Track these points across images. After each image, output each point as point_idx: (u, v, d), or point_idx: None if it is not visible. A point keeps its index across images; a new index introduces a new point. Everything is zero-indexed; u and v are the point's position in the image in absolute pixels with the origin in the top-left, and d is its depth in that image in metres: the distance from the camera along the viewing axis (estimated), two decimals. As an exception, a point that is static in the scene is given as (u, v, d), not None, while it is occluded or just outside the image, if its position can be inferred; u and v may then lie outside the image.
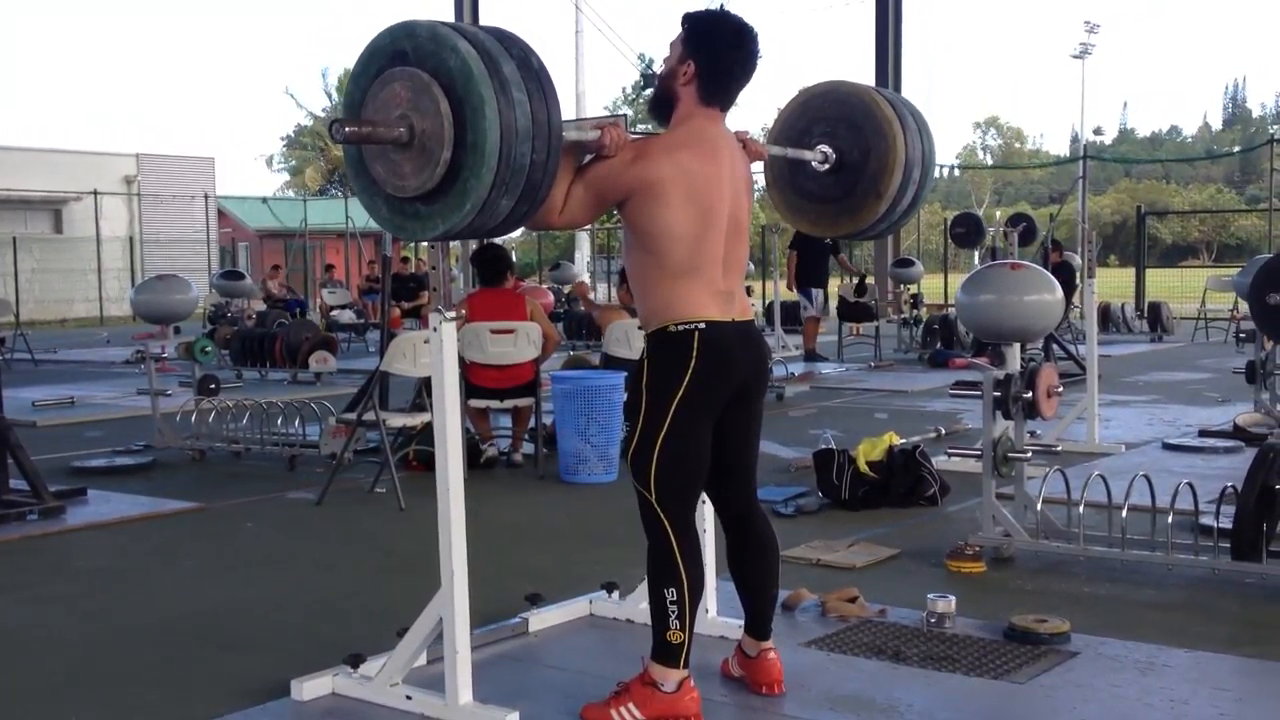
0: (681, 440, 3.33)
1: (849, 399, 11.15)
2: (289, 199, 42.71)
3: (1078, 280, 13.37)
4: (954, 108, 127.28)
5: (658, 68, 3.53)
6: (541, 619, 4.28)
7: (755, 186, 3.83)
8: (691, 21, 3.39)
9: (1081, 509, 4.99)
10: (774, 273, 16.13)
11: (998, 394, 5.05)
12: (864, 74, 21.53)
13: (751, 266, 20.74)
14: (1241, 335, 9.22)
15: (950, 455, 6.15)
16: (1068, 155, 60.43)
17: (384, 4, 63.31)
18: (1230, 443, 7.86)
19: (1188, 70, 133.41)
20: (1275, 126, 64.75)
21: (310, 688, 3.65)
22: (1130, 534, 4.85)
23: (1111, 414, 9.40)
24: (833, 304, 15.21)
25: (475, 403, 7.53)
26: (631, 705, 3.35)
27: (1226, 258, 45.13)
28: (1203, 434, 8.30)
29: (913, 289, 17.11)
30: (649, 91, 3.79)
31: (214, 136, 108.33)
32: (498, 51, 2.89)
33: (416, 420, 7.13)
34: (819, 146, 3.90)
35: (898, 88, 20.29)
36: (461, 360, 6.81)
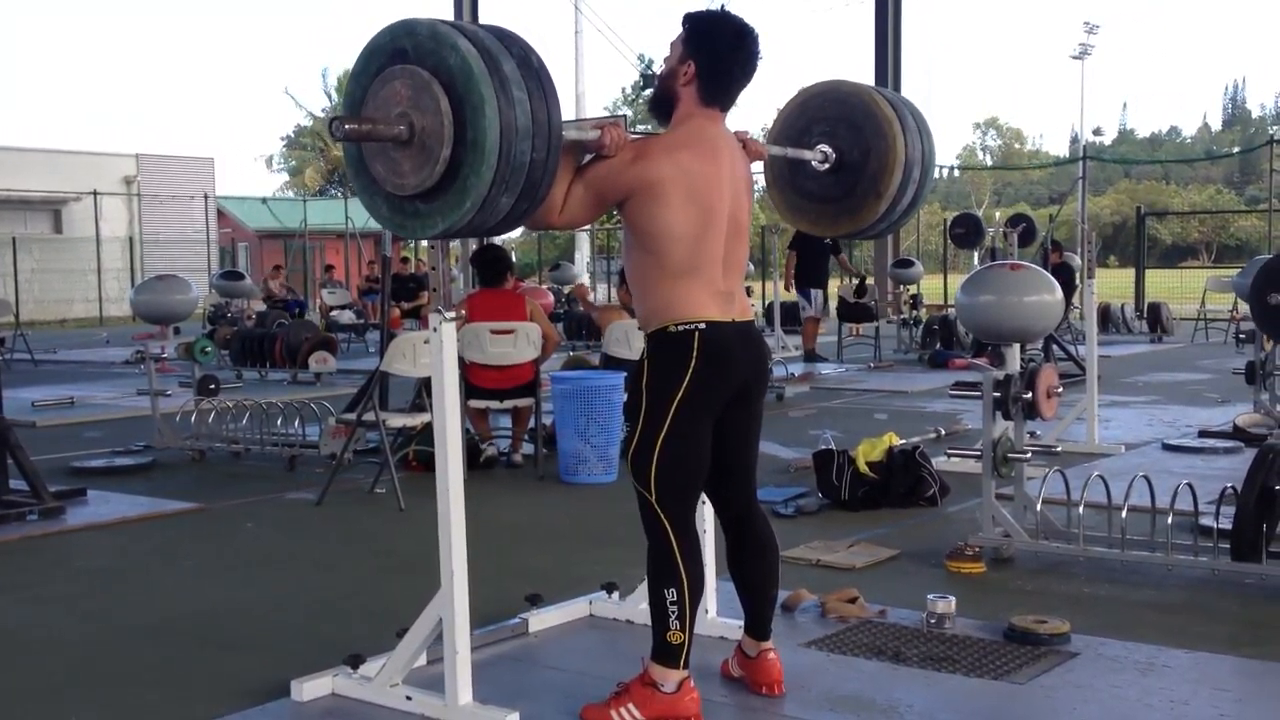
0: (681, 440, 3.33)
1: (849, 399, 11.15)
2: (289, 199, 42.72)
3: (1077, 281, 13.38)
4: (953, 108, 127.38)
5: (658, 68, 3.53)
6: (541, 619, 4.28)
7: (755, 186, 3.83)
8: (692, 22, 3.39)
9: (1081, 509, 4.99)
10: (774, 273, 16.14)
11: (997, 394, 5.05)
12: (863, 74, 21.53)
13: (751, 267, 20.75)
14: (1241, 336, 9.22)
15: (950, 456, 6.15)
16: (1067, 156, 60.41)
17: (384, 4, 63.27)
18: (1230, 443, 7.86)
19: (1187, 71, 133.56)
20: (1275, 127, 64.76)
21: (310, 688, 3.65)
22: (1130, 535, 4.85)
23: (1111, 415, 9.40)
24: (832, 304, 15.21)
25: (475, 403, 7.53)
26: (631, 706, 3.35)
27: (1226, 258, 45.12)
28: (1202, 435, 8.30)
29: (912, 289, 17.11)
30: (648, 92, 3.80)
31: (213, 137, 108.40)
32: (498, 50, 2.89)
33: (416, 420, 7.13)
34: (819, 146, 3.90)
35: (897, 88, 20.29)
36: (461, 361, 6.81)
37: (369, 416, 6.84)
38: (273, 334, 13.76)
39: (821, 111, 3.93)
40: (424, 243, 17.23)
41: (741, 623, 3.69)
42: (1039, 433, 6.88)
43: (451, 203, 2.93)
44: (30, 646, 4.36)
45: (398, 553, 5.67)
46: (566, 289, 20.80)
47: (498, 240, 10.64)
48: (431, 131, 2.88)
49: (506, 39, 2.96)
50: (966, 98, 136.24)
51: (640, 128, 3.98)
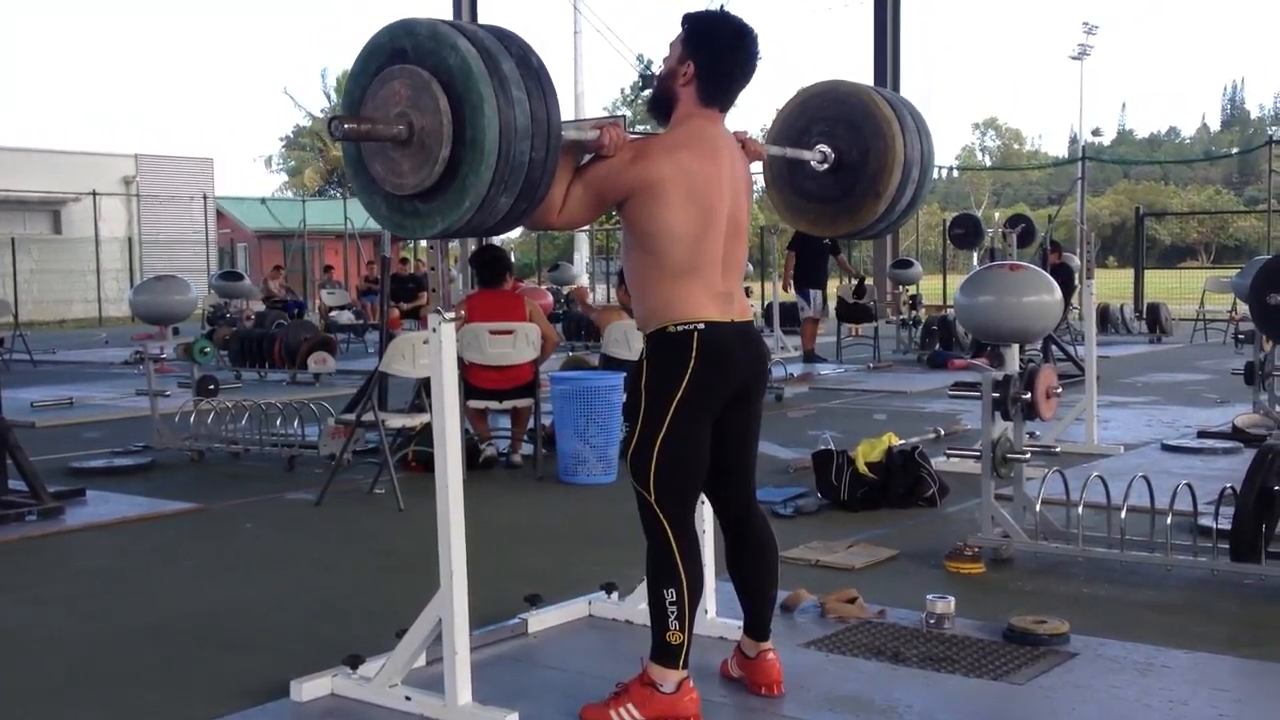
0: (681, 441, 3.33)
1: (848, 400, 11.15)
2: (288, 199, 42.70)
3: (1076, 281, 13.38)
4: (952, 108, 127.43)
5: (657, 68, 3.53)
6: (541, 620, 4.28)
7: (754, 187, 3.83)
8: (691, 22, 3.39)
9: (1080, 510, 4.99)
10: (773, 273, 16.14)
11: (996, 395, 5.05)
12: (863, 74, 21.54)
13: (750, 267, 20.76)
14: (1240, 336, 9.24)
15: (949, 456, 6.15)
16: (1066, 156, 60.43)
17: (383, 4, 63.25)
18: (1229, 444, 7.86)
19: (1186, 71, 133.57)
20: (1274, 128, 64.73)
21: (309, 688, 3.65)
22: (1129, 535, 4.85)
23: (1110, 415, 9.41)
24: (831, 305, 15.22)
25: (474, 403, 7.53)
26: (631, 706, 3.35)
27: (1225, 259, 45.12)
28: (1201, 435, 8.30)
29: (911, 290, 17.12)
30: (647, 92, 3.80)
31: (213, 137, 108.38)
32: (497, 50, 2.89)
33: (415, 421, 7.13)
34: (818, 146, 3.90)
35: (896, 88, 20.29)
36: (460, 361, 6.81)
37: (368, 417, 6.84)
38: (272, 334, 13.76)
39: (821, 111, 3.94)
40: (423, 243, 17.21)
41: (741, 623, 3.69)
42: (1038, 433, 6.88)
43: (450, 202, 2.93)
44: (30, 646, 4.36)
45: (397, 553, 5.67)
46: (565, 289, 20.80)
47: (496, 241, 10.64)
48: (431, 131, 2.88)
49: (506, 39, 2.96)
50: (965, 98, 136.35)
51: (639, 128, 3.98)
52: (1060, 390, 5.24)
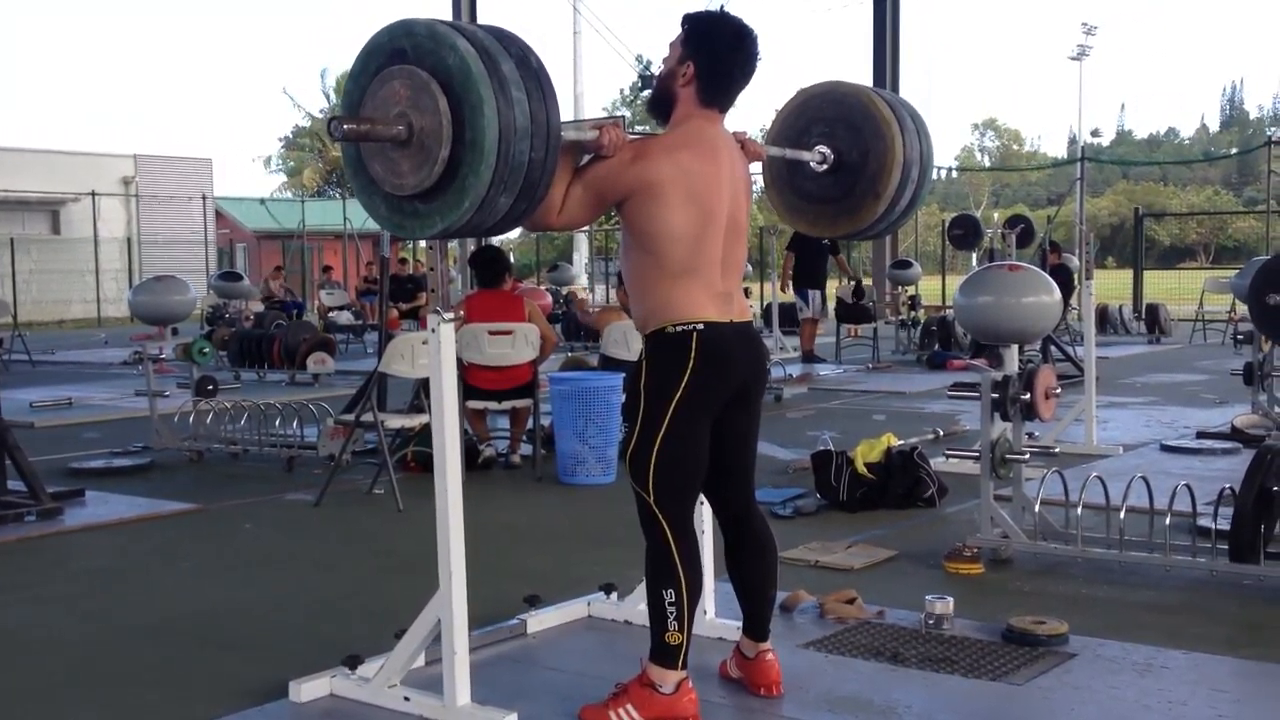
0: (680, 441, 3.32)
1: (847, 400, 11.15)
2: (287, 200, 42.69)
3: (1075, 282, 13.39)
4: (952, 109, 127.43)
5: (656, 68, 3.53)
6: (540, 620, 4.28)
7: (754, 187, 3.83)
8: (691, 22, 3.39)
9: (1079, 510, 4.99)
10: (772, 274, 16.14)
11: (996, 395, 5.05)
12: (862, 75, 21.55)
13: (749, 268, 20.78)
14: (1239, 337, 9.24)
15: (948, 457, 6.15)
16: (1065, 157, 60.45)
17: (383, 4, 63.34)
18: (1228, 444, 7.86)
19: (1185, 72, 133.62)
20: (1273, 128, 64.77)
21: (308, 689, 3.64)
22: (1128, 535, 4.85)
23: (1109, 416, 9.41)
24: (830, 305, 15.22)
25: (473, 404, 7.53)
26: (630, 706, 3.35)
27: (1224, 259, 45.15)
28: (1200, 436, 8.31)
29: (910, 290, 17.12)
30: (647, 92, 3.80)
31: (212, 137, 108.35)
32: (496, 50, 2.89)
33: (415, 421, 7.13)
34: (817, 147, 3.90)
35: (896, 89, 20.30)
36: (459, 361, 6.81)
37: (367, 417, 6.84)
38: (271, 335, 13.75)
39: (820, 112, 3.94)
40: (422, 243, 17.21)
41: (740, 623, 3.69)
42: (1037, 434, 6.87)
43: (450, 203, 2.93)
44: (30, 646, 4.36)
45: (396, 553, 5.67)
46: (564, 290, 20.81)
47: (495, 241, 10.64)
48: (430, 131, 2.88)
49: (505, 39, 2.96)
50: (965, 98, 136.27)
51: (639, 128, 3.98)
52: (1059, 391, 5.25)
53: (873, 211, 3.90)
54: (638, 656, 3.46)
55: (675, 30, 3.42)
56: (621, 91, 51.29)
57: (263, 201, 37.13)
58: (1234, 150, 61.77)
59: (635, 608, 4.15)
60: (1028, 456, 5.26)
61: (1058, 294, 5.50)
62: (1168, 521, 4.79)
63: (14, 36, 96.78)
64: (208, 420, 8.27)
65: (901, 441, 6.77)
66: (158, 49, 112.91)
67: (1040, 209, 46.74)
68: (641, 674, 3.38)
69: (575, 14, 36.08)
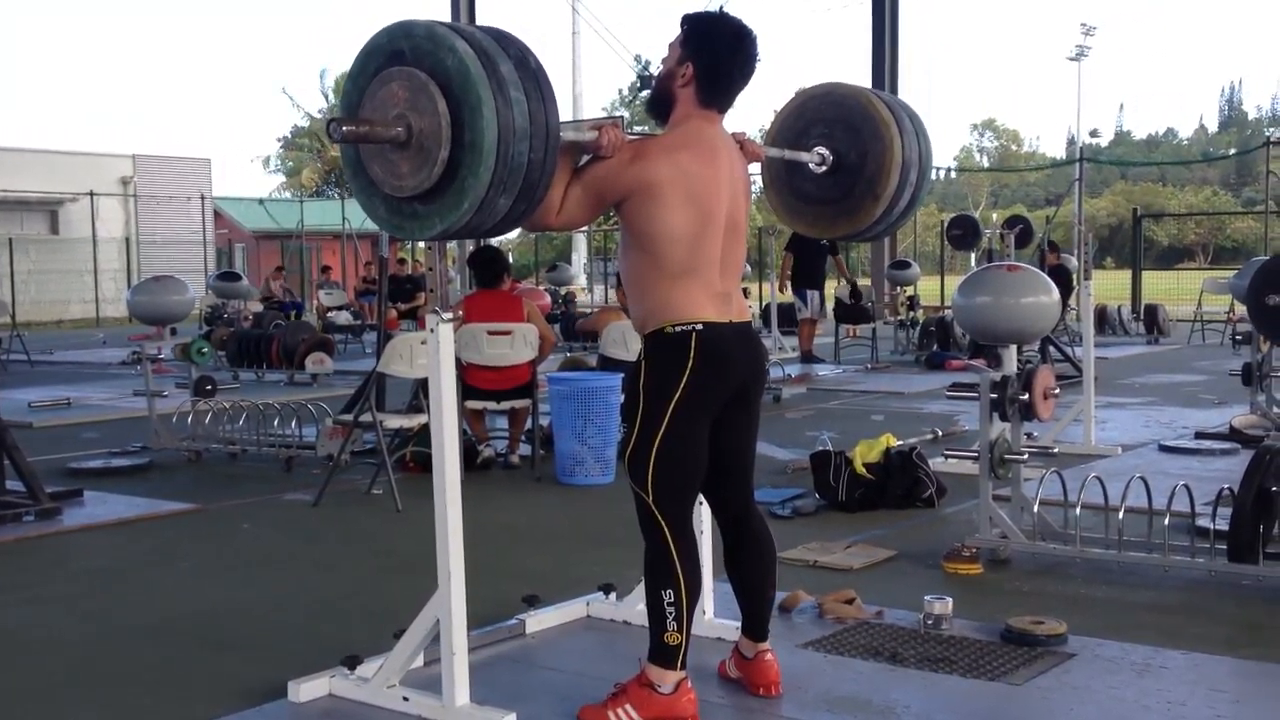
0: (679, 442, 3.33)
1: (846, 401, 11.15)
2: (285, 200, 42.69)
3: (1074, 282, 13.38)
4: (951, 110, 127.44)
5: (655, 69, 3.53)
6: (539, 620, 4.28)
7: (753, 188, 3.83)
8: (691, 23, 3.39)
9: (1078, 511, 4.99)
10: (771, 274, 16.14)
11: (994, 396, 5.05)
12: (861, 76, 21.55)
13: (748, 268, 20.77)
14: (1238, 337, 9.23)
15: (947, 457, 6.15)
16: (1064, 157, 60.48)
17: (382, 5, 63.34)
18: (1227, 445, 7.87)
19: (1184, 73, 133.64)
20: (1271, 129, 64.76)
21: (307, 689, 3.65)
22: (1127, 536, 4.86)
23: (1108, 416, 9.41)
24: (829, 306, 15.22)
25: (472, 404, 7.53)
26: (629, 707, 3.35)
27: (1223, 260, 45.14)
28: (1199, 436, 8.31)
29: (909, 291, 17.12)
30: (645, 93, 3.80)
31: (210, 137, 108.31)
32: (495, 51, 2.89)
33: (413, 422, 7.13)
34: (816, 148, 3.91)
35: (895, 90, 20.32)
36: (458, 362, 6.81)
37: (366, 418, 6.84)
38: (269, 335, 13.75)
39: (819, 113, 3.94)
40: (421, 244, 17.20)
41: (739, 624, 3.69)
42: (1036, 434, 6.88)
43: (449, 204, 2.93)
44: (29, 646, 4.36)
45: (395, 553, 5.67)
46: (563, 290, 20.80)
47: (494, 241, 10.63)
48: (429, 133, 2.88)
49: (504, 40, 2.96)
50: (964, 99, 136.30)
51: (638, 128, 3.98)
52: (1058, 391, 5.25)
53: (871, 213, 3.90)
54: (636, 657, 3.46)
55: (674, 31, 3.42)
56: (620, 92, 51.35)
57: (261, 201, 37.11)
58: (1232, 151, 61.78)
59: (634, 608, 4.15)
60: (1026, 457, 5.26)
61: (1056, 294, 5.50)
62: (1166, 522, 4.79)
63: (14, 36, 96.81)
64: (206, 420, 8.27)
65: (900, 442, 6.77)
66: (157, 49, 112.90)
67: (1039, 209, 46.74)
68: (640, 674, 3.38)
69: (574, 14, 36.11)
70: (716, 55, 3.35)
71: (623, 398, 4.22)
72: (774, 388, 10.88)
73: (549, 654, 4.06)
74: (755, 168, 3.82)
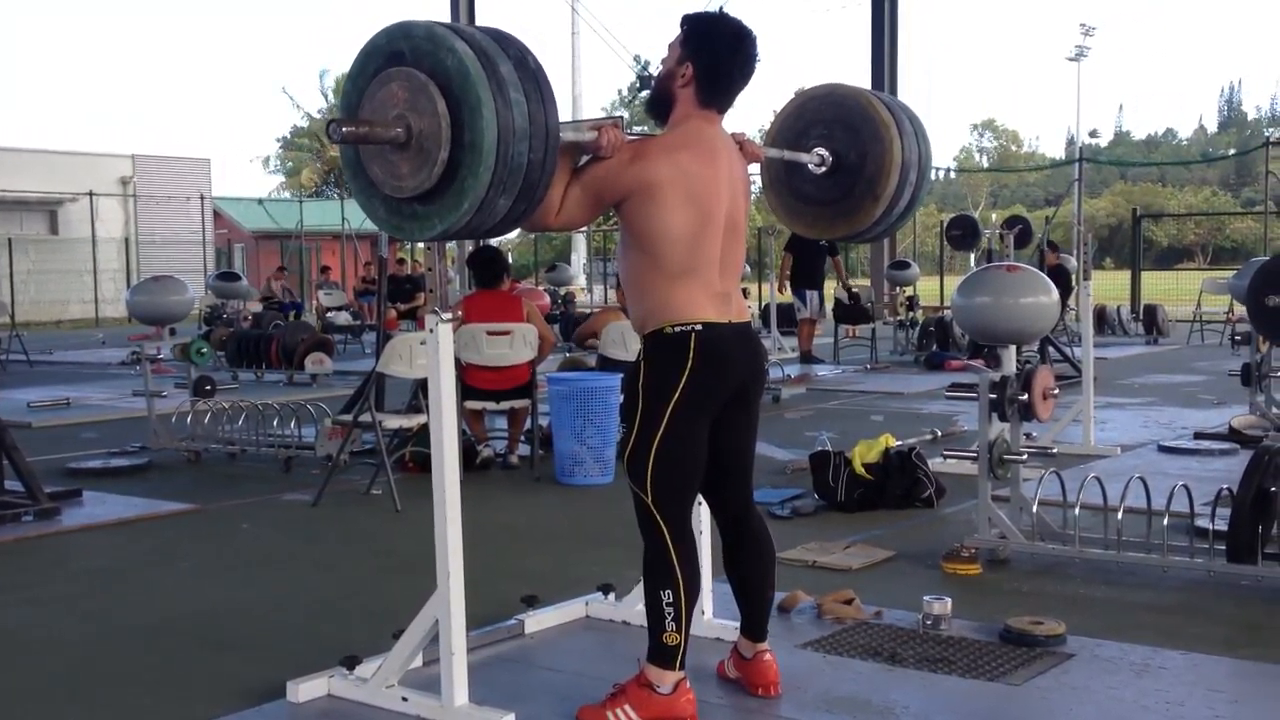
0: (678, 442, 3.33)
1: (845, 401, 11.16)
2: (285, 200, 42.70)
3: (1073, 282, 13.38)
4: (950, 110, 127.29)
5: (655, 69, 3.53)
6: (538, 621, 4.28)
7: (752, 188, 3.83)
8: (691, 23, 3.39)
9: (1077, 511, 4.99)
10: (770, 275, 16.14)
11: (994, 396, 5.05)
12: (861, 76, 21.57)
13: (748, 268, 20.77)
14: (1237, 338, 9.23)
15: (946, 457, 6.15)
16: (1063, 158, 60.47)
17: (381, 5, 63.35)
18: (1226, 445, 7.87)
19: (1183, 73, 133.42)
20: (1270, 129, 64.75)
21: (306, 689, 3.65)
22: (1126, 536, 4.86)
23: (1107, 416, 9.42)
24: (829, 306, 15.22)
25: (471, 404, 7.53)
26: (628, 707, 3.35)
27: (1222, 260, 45.14)
28: (1198, 436, 8.32)
29: (909, 291, 17.12)
30: (645, 93, 3.79)
31: (210, 137, 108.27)
32: (495, 51, 2.89)
33: (412, 422, 7.13)
34: (816, 149, 3.91)
35: (894, 90, 20.33)
36: (457, 362, 6.81)
37: (365, 418, 6.85)
38: (269, 335, 13.75)
39: (819, 114, 3.94)
40: (420, 244, 17.23)
41: (738, 624, 3.69)
42: (1035, 434, 6.89)
43: (449, 204, 2.93)
44: (29, 646, 4.36)
45: (394, 554, 5.67)
46: (562, 290, 20.80)
47: (493, 241, 10.64)
48: (429, 133, 2.88)
49: (503, 40, 2.96)
50: (963, 99, 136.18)
51: (637, 128, 3.98)
52: (1057, 391, 5.25)
53: (871, 214, 3.90)
54: (635, 657, 3.46)
55: (674, 31, 3.42)
56: (620, 92, 51.36)
57: (261, 201, 37.12)
58: (1232, 151, 61.77)
59: (633, 608, 4.15)
60: (1025, 457, 5.26)
61: (1055, 294, 5.50)
62: (1165, 522, 4.79)
63: (14, 36, 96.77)
64: (205, 420, 8.27)
65: (899, 442, 6.77)
66: (156, 49, 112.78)
67: (1038, 210, 46.75)
68: (639, 674, 3.39)
69: (574, 15, 36.10)
70: (716, 55, 3.35)
71: (622, 398, 4.22)
72: (773, 388, 10.88)
73: (548, 654, 4.06)
74: (755, 168, 3.82)
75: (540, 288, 20.48)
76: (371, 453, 7.27)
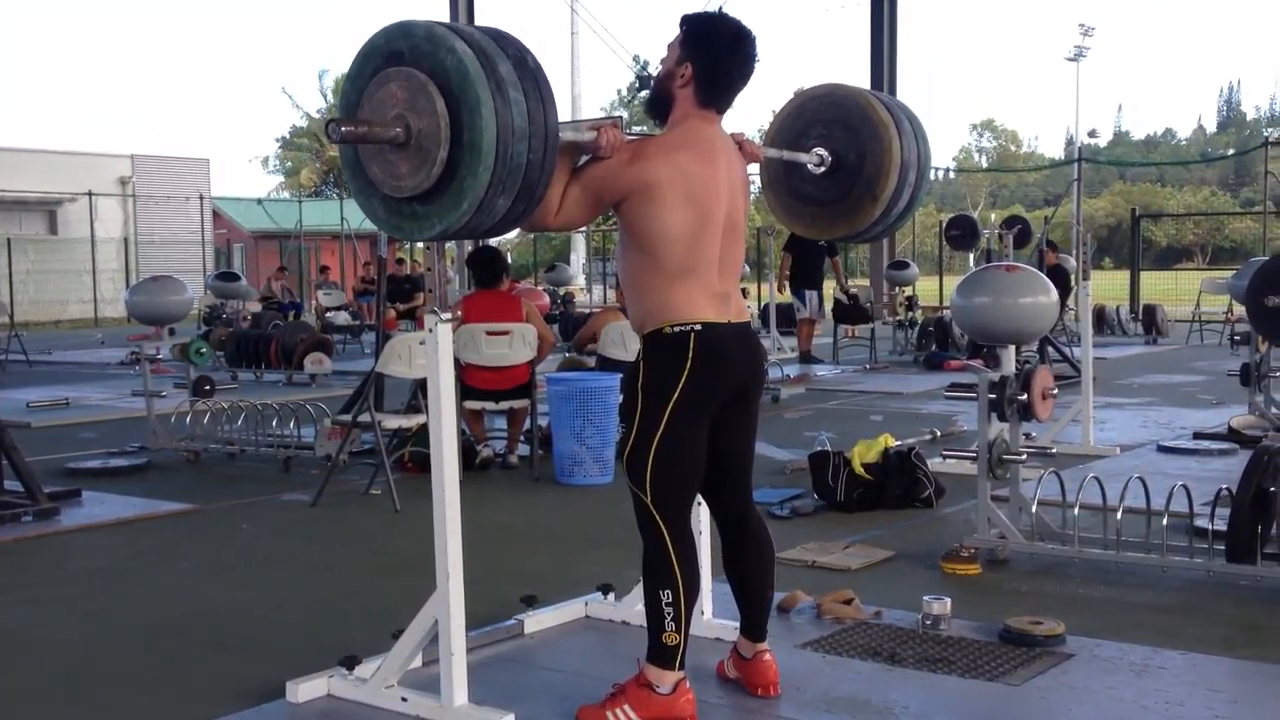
0: (678, 442, 3.33)
1: (844, 401, 11.16)
2: (284, 200, 42.68)
3: (1073, 282, 13.39)
4: (950, 110, 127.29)
5: (654, 69, 3.53)
6: (537, 621, 4.28)
7: (751, 188, 3.83)
8: (690, 24, 3.39)
9: (1076, 511, 4.99)
10: (769, 275, 16.14)
11: (993, 396, 5.05)
12: (860, 76, 21.56)
13: (747, 269, 20.76)
14: (1236, 338, 9.24)
15: (945, 457, 6.16)
16: (1063, 158, 60.48)
17: (381, 5, 63.19)
18: (1225, 445, 7.88)
19: (1182, 73, 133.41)
20: (1270, 129, 64.74)
21: (305, 689, 3.65)
22: (1125, 536, 4.86)
23: (1106, 416, 9.42)
24: (828, 306, 15.22)
25: (470, 404, 7.53)
26: (627, 707, 3.35)
27: (1221, 260, 45.15)
28: (1197, 436, 8.32)
29: (908, 291, 17.13)
30: (645, 93, 3.80)
31: (209, 137, 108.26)
32: (494, 51, 2.89)
33: (412, 422, 7.13)
34: (815, 149, 3.91)
35: (894, 90, 20.34)
36: (457, 362, 6.81)
37: (364, 418, 6.84)
38: (268, 335, 13.75)
39: (818, 114, 3.94)
40: (419, 244, 17.23)
41: (737, 624, 3.69)
42: (1034, 434, 6.89)
43: (449, 204, 2.93)
44: (28, 646, 4.36)
45: (394, 554, 5.67)
46: (562, 290, 20.79)
47: (493, 241, 10.64)
48: (428, 133, 2.88)
49: (502, 40, 2.96)
50: (963, 99, 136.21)
51: (637, 128, 3.98)
52: (1056, 391, 5.25)
53: (870, 214, 3.90)
54: (635, 657, 3.46)
55: (673, 31, 3.42)
56: (619, 92, 51.34)
57: (260, 201, 37.12)
58: (1231, 151, 61.83)
59: (633, 608, 4.15)
60: (1025, 457, 5.26)
61: (1055, 295, 5.50)
62: (1165, 522, 4.79)
63: (13, 36, 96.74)
64: (205, 420, 8.27)
65: (899, 442, 6.77)
66: (156, 49, 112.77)
67: (1037, 210, 46.73)
68: (639, 674, 3.39)
69: (573, 15, 36.10)
70: (715, 56, 3.36)
71: (621, 398, 4.22)
72: (773, 388, 10.88)
73: (547, 654, 4.06)
74: (754, 168, 3.82)
75: (539, 288, 20.47)
76: (371, 453, 7.27)
